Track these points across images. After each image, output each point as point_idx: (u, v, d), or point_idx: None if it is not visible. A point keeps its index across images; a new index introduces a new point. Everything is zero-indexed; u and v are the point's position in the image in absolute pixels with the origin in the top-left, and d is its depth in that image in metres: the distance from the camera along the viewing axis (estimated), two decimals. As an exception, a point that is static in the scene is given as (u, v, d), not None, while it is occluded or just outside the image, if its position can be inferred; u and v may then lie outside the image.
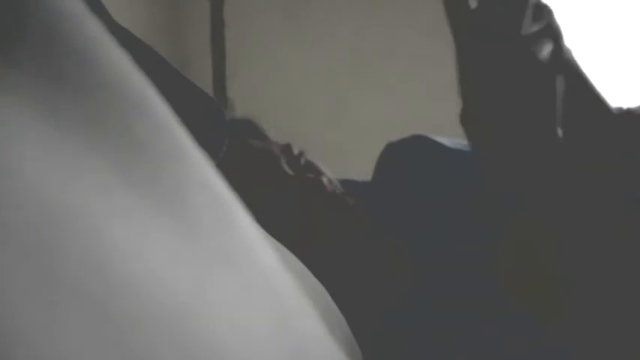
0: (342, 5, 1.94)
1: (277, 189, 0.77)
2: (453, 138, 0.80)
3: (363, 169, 0.92)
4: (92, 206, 0.15)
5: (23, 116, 0.15)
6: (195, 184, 0.20)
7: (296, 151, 0.82)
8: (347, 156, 1.54)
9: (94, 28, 0.18)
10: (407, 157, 0.76)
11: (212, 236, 0.19)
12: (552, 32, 0.55)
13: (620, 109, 0.60)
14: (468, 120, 0.55)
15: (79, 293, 0.14)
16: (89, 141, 0.17)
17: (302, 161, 0.81)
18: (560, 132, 0.52)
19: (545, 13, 0.56)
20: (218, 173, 0.21)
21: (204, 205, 0.20)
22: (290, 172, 0.79)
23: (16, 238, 0.13)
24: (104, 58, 0.18)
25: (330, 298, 0.51)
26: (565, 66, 0.55)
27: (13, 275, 0.13)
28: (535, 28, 0.54)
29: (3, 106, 0.15)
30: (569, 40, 0.57)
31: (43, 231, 0.14)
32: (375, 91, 1.87)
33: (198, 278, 0.17)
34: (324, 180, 0.79)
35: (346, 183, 0.85)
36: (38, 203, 0.14)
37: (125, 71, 0.19)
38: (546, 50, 0.53)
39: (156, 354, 0.14)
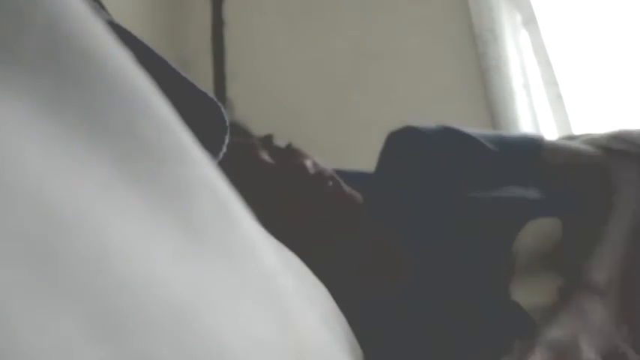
0: (343, 5, 1.94)
1: (257, 179, 0.78)
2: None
3: (362, 169, 0.92)
4: (94, 205, 0.16)
5: (25, 115, 0.15)
6: (197, 183, 0.20)
7: (277, 142, 0.83)
8: (347, 156, 1.53)
9: (95, 28, 0.18)
10: (406, 144, 0.78)
11: (213, 235, 0.19)
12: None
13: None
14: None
15: (79, 292, 0.14)
16: (91, 140, 0.17)
17: (287, 150, 0.82)
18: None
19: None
20: (219, 173, 0.22)
21: (206, 204, 0.20)
22: (270, 161, 0.80)
23: (16, 238, 0.13)
24: (106, 57, 0.18)
25: (330, 297, 0.52)
26: None
27: (12, 275, 0.13)
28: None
29: (4, 105, 0.15)
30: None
31: (42, 231, 0.14)
32: (375, 91, 1.87)
33: (199, 277, 0.17)
34: (308, 163, 0.80)
35: (342, 173, 0.85)
36: (39, 203, 0.14)
37: (127, 71, 0.19)
38: None
39: (156, 353, 0.14)
